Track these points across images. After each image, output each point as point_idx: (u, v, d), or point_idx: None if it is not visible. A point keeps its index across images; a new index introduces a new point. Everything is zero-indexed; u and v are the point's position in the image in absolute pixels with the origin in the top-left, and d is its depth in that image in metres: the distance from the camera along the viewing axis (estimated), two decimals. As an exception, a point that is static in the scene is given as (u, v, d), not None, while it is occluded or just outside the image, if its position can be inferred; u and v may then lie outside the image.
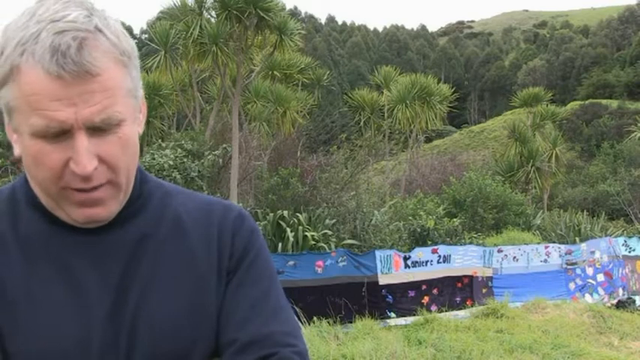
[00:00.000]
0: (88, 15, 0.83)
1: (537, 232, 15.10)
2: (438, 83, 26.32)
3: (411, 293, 9.65)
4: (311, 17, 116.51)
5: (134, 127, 0.90)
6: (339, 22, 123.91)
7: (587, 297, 10.82)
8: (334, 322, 8.22)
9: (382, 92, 28.86)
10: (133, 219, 0.95)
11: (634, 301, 10.77)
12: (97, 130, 0.84)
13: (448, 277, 10.03)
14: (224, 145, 12.50)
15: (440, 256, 10.03)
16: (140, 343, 0.90)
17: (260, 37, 17.05)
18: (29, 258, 0.90)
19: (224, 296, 0.96)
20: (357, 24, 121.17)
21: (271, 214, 11.05)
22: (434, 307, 9.66)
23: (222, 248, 0.98)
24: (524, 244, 11.70)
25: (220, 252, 0.98)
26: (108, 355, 0.88)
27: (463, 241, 12.12)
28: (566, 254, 10.98)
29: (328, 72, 32.07)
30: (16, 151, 0.91)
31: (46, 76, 0.81)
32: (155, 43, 20.23)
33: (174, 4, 17.88)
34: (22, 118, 0.84)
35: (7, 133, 0.92)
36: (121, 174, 0.89)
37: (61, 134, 0.83)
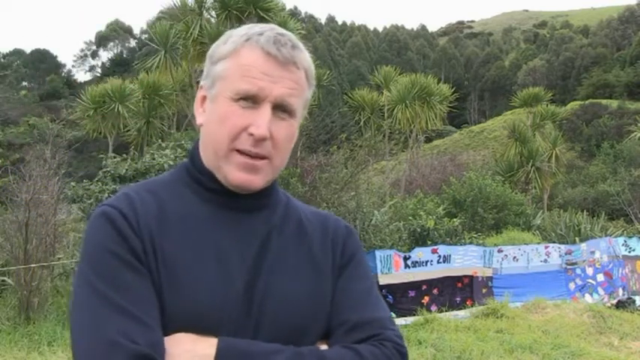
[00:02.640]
0: (295, 38, 1.15)
1: (537, 232, 15.10)
2: (438, 83, 26.30)
3: (411, 293, 9.65)
4: (311, 17, 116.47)
5: (296, 131, 1.16)
6: (339, 22, 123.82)
7: (587, 297, 10.82)
8: (334, 322, 8.21)
9: (382, 92, 28.84)
10: (268, 211, 1.17)
11: (634, 301, 10.76)
12: (278, 110, 1.10)
13: (448, 277, 10.03)
14: (224, 145, 12.43)
15: (440, 256, 10.02)
16: (269, 312, 1.08)
17: (260, 37, 17.02)
18: (186, 232, 1.09)
19: (336, 287, 1.17)
20: (357, 24, 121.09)
21: (271, 214, 11.04)
22: (434, 307, 9.66)
23: (335, 249, 1.21)
24: (524, 244, 11.70)
25: (334, 252, 1.20)
26: (242, 319, 1.06)
27: (463, 241, 12.11)
28: (566, 254, 10.98)
29: (328, 72, 32.06)
30: (200, 119, 1.17)
31: (264, 56, 1.09)
32: (155, 43, 20.26)
33: (174, 4, 17.90)
34: (228, 83, 1.10)
35: (194, 107, 1.20)
36: (279, 156, 1.12)
37: (253, 103, 1.09)
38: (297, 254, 1.16)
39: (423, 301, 9.65)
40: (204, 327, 1.03)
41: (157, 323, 1.01)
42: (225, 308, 1.05)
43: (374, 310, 1.17)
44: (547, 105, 29.99)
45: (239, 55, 1.11)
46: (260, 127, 1.07)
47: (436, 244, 11.00)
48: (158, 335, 1.01)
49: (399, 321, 9.06)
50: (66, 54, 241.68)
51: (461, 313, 9.56)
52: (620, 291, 11.19)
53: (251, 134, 1.08)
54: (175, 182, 1.17)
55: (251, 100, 1.08)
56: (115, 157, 10.09)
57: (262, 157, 1.09)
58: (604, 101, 59.78)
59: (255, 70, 1.09)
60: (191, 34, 15.63)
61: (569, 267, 10.94)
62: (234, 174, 1.10)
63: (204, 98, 1.17)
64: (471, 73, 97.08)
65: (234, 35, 1.14)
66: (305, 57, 1.14)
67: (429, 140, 45.21)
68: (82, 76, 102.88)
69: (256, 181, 1.11)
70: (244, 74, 1.09)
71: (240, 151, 1.09)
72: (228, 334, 1.04)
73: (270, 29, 1.12)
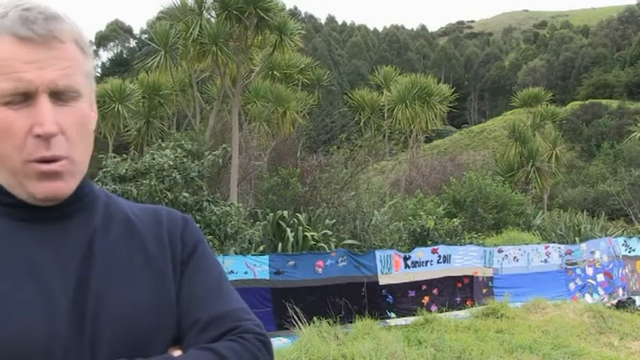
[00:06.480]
0: (47, 5, 0.95)
1: (537, 232, 15.10)
2: (438, 83, 26.32)
3: (411, 293, 9.65)
4: (311, 17, 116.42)
5: (90, 112, 0.99)
6: (339, 22, 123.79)
7: (587, 297, 10.82)
8: (334, 322, 8.20)
9: (382, 92, 28.89)
10: (85, 214, 1.01)
11: (634, 301, 10.76)
12: (58, 98, 0.92)
13: (448, 277, 10.03)
14: (224, 145, 12.53)
15: (440, 256, 10.03)
16: (105, 329, 0.94)
17: (260, 37, 17.06)
18: None
19: (181, 284, 1.04)
20: (357, 24, 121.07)
21: (271, 214, 11.04)
22: (434, 307, 9.66)
23: (174, 243, 1.07)
24: (525, 244, 11.71)
25: (173, 247, 1.06)
26: (74, 344, 0.91)
27: (463, 241, 12.11)
28: (566, 254, 10.99)
29: (328, 72, 32.09)
30: None
31: (17, 42, 0.90)
32: (155, 43, 20.26)
33: (174, 4, 17.90)
34: None
35: None
36: (77, 149, 0.95)
37: (26, 99, 0.91)
38: (130, 257, 1.01)
39: (423, 301, 9.66)
40: None
41: None
42: (51, 336, 0.89)
43: (225, 302, 1.04)
44: (547, 105, 30.01)
45: None
46: (44, 123, 0.90)
47: (436, 244, 11.00)
48: None
49: (399, 321, 9.07)
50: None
51: (461, 313, 9.55)
52: (620, 291, 11.19)
53: (37, 136, 0.91)
54: None
55: (21, 97, 0.91)
56: (115, 157, 10.08)
57: (59, 159, 0.93)
58: (604, 101, 59.73)
59: (14, 63, 0.90)
60: (191, 34, 15.61)
61: (569, 267, 10.94)
62: (37, 188, 0.93)
63: None
64: (471, 73, 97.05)
65: None
66: (67, 26, 0.95)
67: (429, 140, 45.23)
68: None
69: (62, 187, 0.94)
70: (3, 72, 0.90)
71: (33, 161, 0.92)
72: None
73: (13, 7, 0.92)
